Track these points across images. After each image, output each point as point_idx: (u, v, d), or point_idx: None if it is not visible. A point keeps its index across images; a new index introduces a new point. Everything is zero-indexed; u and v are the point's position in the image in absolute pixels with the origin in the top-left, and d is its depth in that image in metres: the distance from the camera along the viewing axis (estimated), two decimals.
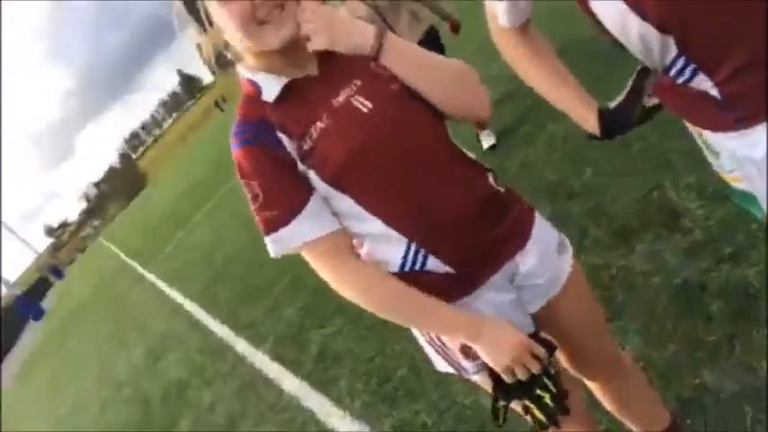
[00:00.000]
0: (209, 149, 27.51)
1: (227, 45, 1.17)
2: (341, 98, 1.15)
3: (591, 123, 1.22)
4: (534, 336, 1.20)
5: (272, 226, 1.14)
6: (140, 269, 13.82)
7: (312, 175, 1.14)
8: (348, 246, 1.19)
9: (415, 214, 1.16)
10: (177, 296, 8.22)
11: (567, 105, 1.25)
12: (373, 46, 1.14)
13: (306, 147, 1.13)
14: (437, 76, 1.18)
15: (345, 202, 1.16)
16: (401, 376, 2.94)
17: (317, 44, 1.13)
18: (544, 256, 1.26)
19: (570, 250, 1.34)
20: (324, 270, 1.17)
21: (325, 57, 1.17)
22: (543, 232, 1.29)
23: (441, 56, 1.23)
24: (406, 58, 1.17)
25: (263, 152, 1.13)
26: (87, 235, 73.15)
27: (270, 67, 1.17)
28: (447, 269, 1.19)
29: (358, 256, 1.20)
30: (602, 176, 3.18)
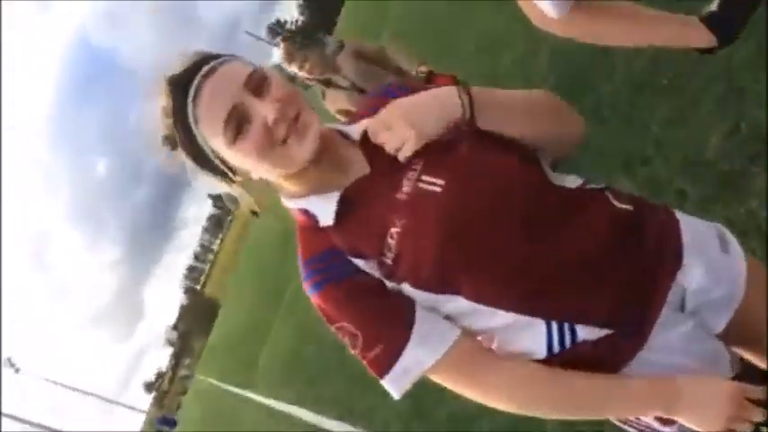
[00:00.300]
0: (262, 255, 28.01)
1: (264, 183, 1.02)
2: (406, 188, 0.97)
3: (703, 37, 1.07)
4: (742, 375, 0.96)
5: (384, 366, 0.96)
6: (242, 392, 13.81)
7: (407, 287, 0.96)
8: (477, 350, 0.98)
9: (543, 286, 0.95)
10: (286, 407, 8.08)
11: (669, 35, 1.11)
12: (465, 106, 0.96)
13: (389, 261, 0.95)
14: (530, 114, 1.02)
15: (456, 303, 0.97)
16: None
17: (409, 150, 0.95)
18: (710, 263, 1.01)
19: (734, 240, 1.08)
20: (460, 388, 0.97)
21: (370, 146, 1.00)
22: (696, 234, 1.04)
23: (519, 90, 1.06)
24: (495, 106, 0.99)
25: (342, 288, 0.97)
26: (184, 376, 74.83)
27: (314, 186, 1.00)
28: (604, 332, 0.95)
29: (492, 352, 0.98)
30: (671, 128, 2.89)
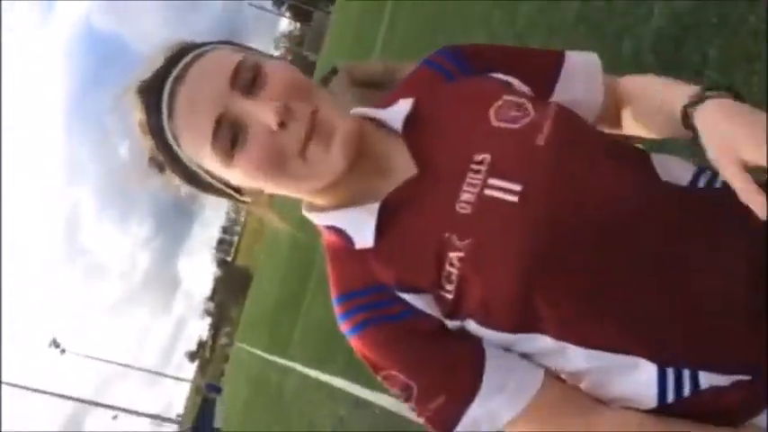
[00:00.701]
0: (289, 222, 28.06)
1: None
2: (467, 196, 0.74)
3: None
4: None
5: (448, 421, 0.76)
6: (282, 360, 13.97)
7: (473, 325, 0.75)
8: (566, 398, 0.77)
9: (658, 325, 0.73)
10: (327, 378, 8.09)
11: None
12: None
13: (449, 296, 0.74)
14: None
15: (538, 342, 0.76)
16: None
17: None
18: None
19: None
20: None
21: (417, 136, 0.78)
22: None
23: None
24: None
25: (390, 331, 0.77)
26: (224, 344, 76.75)
27: (346, 197, 0.79)
28: (735, 378, 0.73)
29: (585, 398, 0.77)
30: (729, 71, 2.62)
